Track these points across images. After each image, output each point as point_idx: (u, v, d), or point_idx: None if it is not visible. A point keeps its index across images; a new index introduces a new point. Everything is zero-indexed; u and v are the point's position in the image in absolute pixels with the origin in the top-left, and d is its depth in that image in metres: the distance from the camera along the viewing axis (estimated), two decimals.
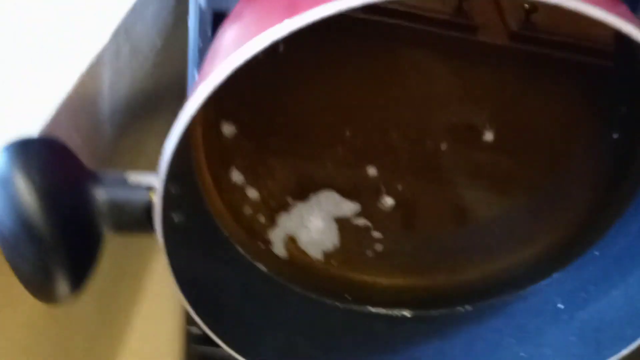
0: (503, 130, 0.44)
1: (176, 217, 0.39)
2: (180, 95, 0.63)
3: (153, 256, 0.64)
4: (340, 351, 0.48)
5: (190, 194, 0.43)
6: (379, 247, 0.50)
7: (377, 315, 0.51)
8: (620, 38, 0.42)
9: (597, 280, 0.45)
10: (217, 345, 0.66)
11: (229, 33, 0.39)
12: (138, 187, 0.37)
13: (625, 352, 0.40)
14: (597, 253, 0.47)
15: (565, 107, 0.48)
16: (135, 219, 0.38)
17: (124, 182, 0.38)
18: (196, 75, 0.48)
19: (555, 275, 0.49)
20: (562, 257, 0.49)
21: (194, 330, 0.66)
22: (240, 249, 0.48)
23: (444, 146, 0.46)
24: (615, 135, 0.47)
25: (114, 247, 0.41)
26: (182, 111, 0.32)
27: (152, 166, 0.46)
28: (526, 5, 0.46)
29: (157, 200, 0.35)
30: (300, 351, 0.47)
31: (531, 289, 0.50)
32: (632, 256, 0.43)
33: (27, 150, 0.36)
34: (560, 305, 0.47)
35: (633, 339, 0.40)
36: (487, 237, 0.51)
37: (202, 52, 0.48)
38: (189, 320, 0.67)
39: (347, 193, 0.48)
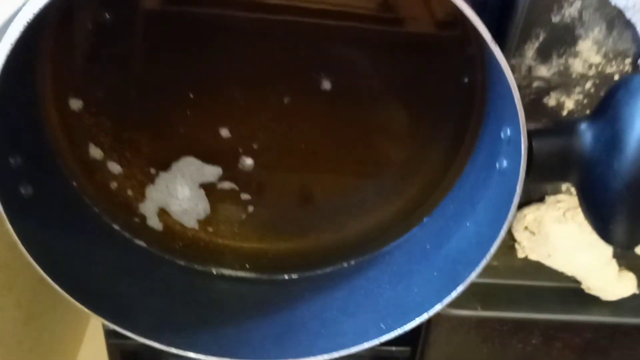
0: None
1: (24, 190, 0.40)
2: None
3: None
4: (221, 318, 0.49)
5: (46, 168, 0.44)
6: (250, 208, 0.51)
7: (260, 280, 0.52)
8: None
9: (456, 215, 0.47)
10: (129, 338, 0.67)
11: None
12: None
13: (473, 275, 0.42)
14: (455, 191, 0.48)
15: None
16: None
17: None
18: None
19: (426, 219, 0.50)
20: (430, 201, 0.50)
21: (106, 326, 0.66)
22: (115, 226, 0.49)
23: (286, 100, 0.47)
24: (465, 80, 0.49)
25: None
26: None
27: None
28: None
29: None
30: (178, 319, 0.48)
31: (406, 237, 0.51)
32: (479, 185, 0.45)
33: None
34: (428, 246, 0.48)
35: (478, 262, 0.41)
36: (361, 193, 0.53)
37: None
38: None
39: (206, 157, 0.49)
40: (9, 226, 0.38)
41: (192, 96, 0.46)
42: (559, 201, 0.55)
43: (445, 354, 0.68)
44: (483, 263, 0.41)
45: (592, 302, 0.62)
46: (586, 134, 0.38)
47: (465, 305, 0.60)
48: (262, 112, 0.47)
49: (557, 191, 0.55)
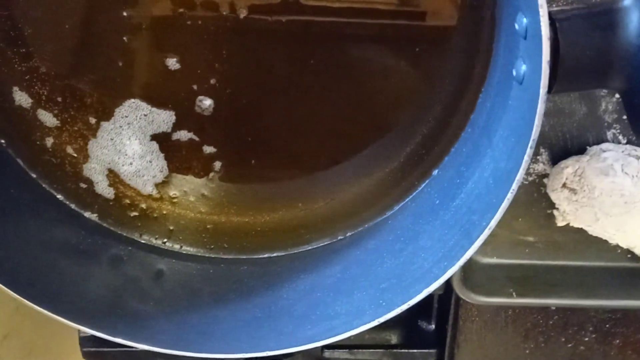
0: None
1: None
2: None
3: None
4: (186, 305, 0.40)
5: None
6: (217, 165, 0.42)
7: (238, 260, 0.43)
8: None
9: (469, 158, 0.37)
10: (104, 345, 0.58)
11: None
12: None
13: (492, 224, 0.32)
14: (469, 130, 0.39)
15: None
16: None
17: None
18: None
19: (435, 172, 0.41)
20: (439, 148, 0.41)
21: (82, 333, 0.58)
22: (58, 196, 0.41)
23: (242, 12, 0.37)
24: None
25: None
26: None
27: None
28: None
29: None
30: (132, 305, 0.39)
31: (412, 196, 0.42)
32: (496, 111, 0.35)
33: None
34: (437, 201, 0.39)
35: (498, 205, 0.31)
36: (357, 149, 0.43)
37: None
38: None
39: (154, 99, 0.40)
40: None
41: (125, 14, 0.37)
42: (604, 150, 0.44)
43: (479, 357, 0.57)
44: (504, 205, 0.31)
45: None
46: (632, 11, 0.28)
47: (497, 290, 0.50)
48: (215, 32, 0.38)
49: (600, 139, 0.45)
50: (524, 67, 0.31)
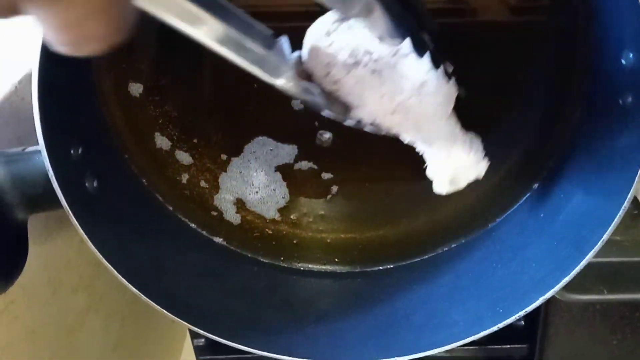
0: None
1: (88, 183, 0.37)
2: None
3: None
4: (312, 317, 0.44)
5: (112, 163, 0.41)
6: (334, 189, 0.46)
7: (352, 273, 0.47)
8: None
9: (573, 174, 0.40)
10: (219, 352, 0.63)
11: None
12: (35, 152, 0.35)
13: (604, 237, 0.35)
14: (568, 147, 0.42)
15: None
16: (43, 189, 0.36)
17: (21, 153, 0.36)
18: None
19: (536, 185, 0.44)
20: (538, 163, 0.44)
21: (197, 342, 0.63)
22: (192, 225, 0.45)
23: None
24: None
25: None
26: None
27: None
28: None
29: (46, 163, 0.33)
30: (263, 319, 0.43)
31: (514, 209, 0.45)
32: (598, 138, 0.38)
33: None
34: (542, 215, 0.42)
35: (609, 222, 0.34)
36: None
37: None
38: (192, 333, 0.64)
39: (279, 136, 0.44)
40: (74, 220, 0.34)
41: None
42: None
43: (568, 350, 0.60)
44: (615, 222, 0.34)
45: None
46: None
47: (589, 288, 0.53)
48: None
49: None
50: (630, 99, 0.34)
